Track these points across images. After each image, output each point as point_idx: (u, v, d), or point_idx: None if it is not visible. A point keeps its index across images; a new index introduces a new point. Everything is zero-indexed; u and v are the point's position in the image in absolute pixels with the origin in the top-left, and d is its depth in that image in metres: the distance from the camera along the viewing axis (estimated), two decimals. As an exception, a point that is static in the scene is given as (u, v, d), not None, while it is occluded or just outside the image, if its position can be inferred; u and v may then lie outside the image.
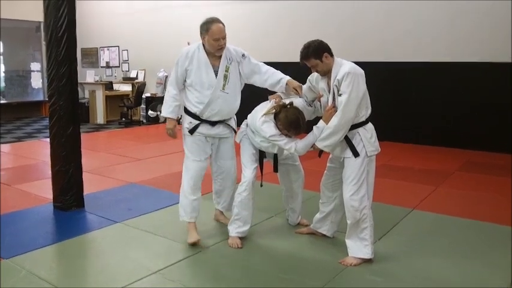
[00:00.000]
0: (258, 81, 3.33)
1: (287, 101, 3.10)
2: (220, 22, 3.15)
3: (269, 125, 3.05)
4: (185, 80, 3.23)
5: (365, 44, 7.47)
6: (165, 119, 3.34)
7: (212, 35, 3.08)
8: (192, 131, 3.25)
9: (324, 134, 2.90)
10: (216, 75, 3.18)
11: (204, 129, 3.26)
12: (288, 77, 3.27)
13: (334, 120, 2.84)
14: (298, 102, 3.13)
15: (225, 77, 3.19)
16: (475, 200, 4.41)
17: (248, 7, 8.90)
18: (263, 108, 3.16)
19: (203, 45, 3.20)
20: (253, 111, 3.26)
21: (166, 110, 3.29)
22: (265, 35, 8.64)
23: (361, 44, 7.47)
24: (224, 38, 3.11)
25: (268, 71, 3.31)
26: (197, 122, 3.24)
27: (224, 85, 3.19)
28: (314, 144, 2.96)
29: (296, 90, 3.18)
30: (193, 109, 3.23)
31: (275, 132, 3.02)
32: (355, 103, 2.80)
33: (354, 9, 7.62)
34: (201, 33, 3.17)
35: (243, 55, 3.29)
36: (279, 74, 3.29)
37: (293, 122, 2.97)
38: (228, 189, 3.53)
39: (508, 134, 6.37)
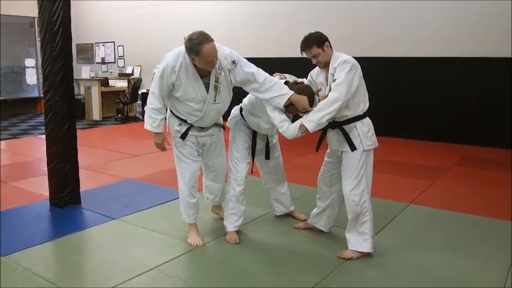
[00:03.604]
0: (254, 91, 3.00)
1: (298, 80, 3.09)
2: (211, 40, 2.75)
3: None
4: (171, 90, 2.98)
5: (363, 39, 7.46)
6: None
7: (204, 58, 2.75)
8: (183, 136, 3.12)
9: (311, 112, 2.86)
10: (207, 89, 2.94)
11: (194, 131, 3.14)
12: (291, 93, 2.88)
13: (325, 99, 2.84)
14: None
15: (216, 87, 2.95)
16: (471, 194, 4.43)
17: (246, 2, 8.86)
18: None
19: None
20: None
21: (151, 124, 3.01)
22: (264, 30, 8.62)
23: (359, 39, 7.46)
24: (217, 57, 2.81)
25: (267, 81, 2.92)
26: (187, 125, 3.10)
27: (215, 96, 2.97)
28: (302, 125, 2.83)
29: (303, 111, 2.87)
30: (182, 117, 3.08)
31: None
32: (347, 87, 2.77)
33: (353, 4, 7.60)
34: (188, 53, 2.80)
35: (234, 61, 2.93)
36: (280, 88, 2.91)
37: (306, 97, 2.91)
38: (219, 185, 3.48)
39: (505, 129, 6.39)
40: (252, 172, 3.43)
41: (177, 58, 2.89)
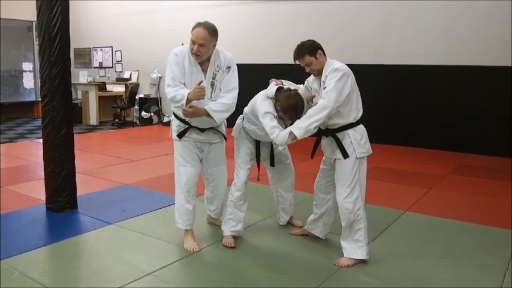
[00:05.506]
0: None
1: (292, 87, 3.12)
2: (204, 27, 2.93)
3: (268, 102, 3.02)
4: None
5: (362, 47, 7.51)
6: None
7: (192, 35, 2.96)
8: (180, 135, 3.15)
9: (300, 119, 2.87)
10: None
11: (193, 134, 3.17)
12: (209, 107, 3.01)
13: (314, 106, 2.85)
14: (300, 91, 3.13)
15: (212, 84, 3.05)
16: (467, 202, 4.45)
17: (244, 9, 8.91)
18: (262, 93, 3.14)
19: None
20: (251, 100, 3.23)
21: (181, 97, 2.95)
22: (262, 36, 8.65)
23: (358, 47, 7.51)
24: (201, 45, 2.92)
25: (219, 101, 3.05)
26: (186, 126, 3.14)
27: (211, 93, 3.05)
28: (292, 132, 2.83)
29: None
30: (181, 115, 3.11)
31: (271, 110, 2.98)
32: (336, 94, 2.78)
33: (352, 11, 7.66)
34: None
35: (229, 67, 3.09)
36: (218, 100, 3.06)
37: (292, 105, 2.93)
38: (219, 196, 3.47)
39: (503, 137, 6.42)
40: (258, 180, 3.44)
41: (182, 49, 3.08)
